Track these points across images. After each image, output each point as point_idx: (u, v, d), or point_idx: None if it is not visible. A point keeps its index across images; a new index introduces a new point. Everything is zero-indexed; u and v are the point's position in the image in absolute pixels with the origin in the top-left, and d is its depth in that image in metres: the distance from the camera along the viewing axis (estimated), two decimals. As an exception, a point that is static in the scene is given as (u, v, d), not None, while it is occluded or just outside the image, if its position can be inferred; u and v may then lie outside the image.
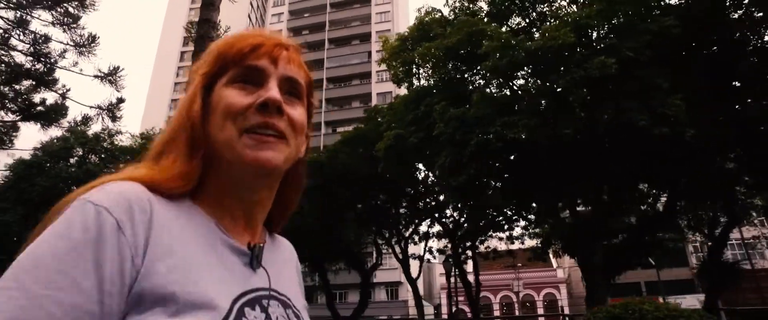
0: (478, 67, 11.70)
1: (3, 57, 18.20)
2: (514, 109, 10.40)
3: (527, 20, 12.85)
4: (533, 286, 34.13)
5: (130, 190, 0.57)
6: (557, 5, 12.40)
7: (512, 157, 11.49)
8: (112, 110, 17.51)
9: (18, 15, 17.85)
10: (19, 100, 18.62)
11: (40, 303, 0.46)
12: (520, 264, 27.62)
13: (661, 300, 28.91)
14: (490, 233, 19.50)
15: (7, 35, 18.43)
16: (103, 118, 18.75)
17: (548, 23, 11.25)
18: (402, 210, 16.82)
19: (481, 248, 20.02)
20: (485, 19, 12.25)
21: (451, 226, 17.68)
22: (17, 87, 18.64)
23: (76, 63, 21.65)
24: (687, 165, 10.61)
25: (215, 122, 0.65)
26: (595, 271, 11.75)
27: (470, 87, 12.45)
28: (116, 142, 12.12)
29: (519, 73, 11.43)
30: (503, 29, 11.95)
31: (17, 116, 18.55)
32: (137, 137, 12.90)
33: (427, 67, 12.91)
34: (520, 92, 10.44)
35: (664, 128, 8.78)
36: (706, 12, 9.27)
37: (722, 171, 12.89)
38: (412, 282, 16.84)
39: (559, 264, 34.32)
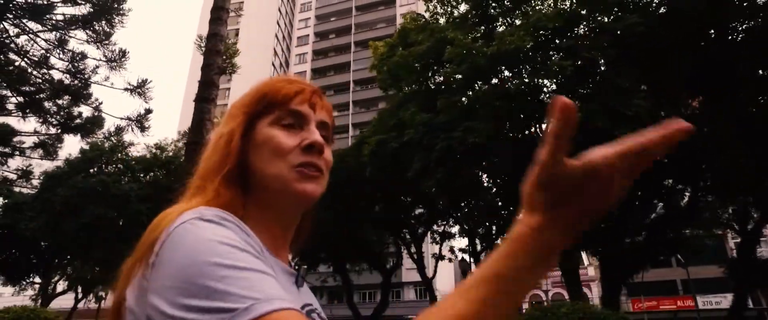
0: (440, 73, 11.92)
1: (45, 75, 19.58)
2: (477, 113, 10.46)
3: (512, 24, 12.76)
4: (563, 285, 33.38)
5: (220, 212, 0.63)
6: (546, 5, 12.23)
7: (494, 158, 11.51)
8: (140, 121, 18.54)
9: (58, 35, 19.17)
10: (61, 113, 20.01)
11: (271, 277, 0.54)
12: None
13: (698, 298, 27.70)
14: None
15: (48, 55, 19.83)
16: (132, 129, 19.85)
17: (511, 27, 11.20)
18: (419, 211, 16.96)
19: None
20: (470, 23, 12.26)
21: (470, 225, 17.68)
22: (60, 102, 20.03)
23: (108, 77, 22.82)
24: (682, 163, 10.30)
25: (263, 157, 0.73)
26: (570, 273, 11.63)
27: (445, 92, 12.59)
28: (129, 153, 12.96)
29: (495, 76, 11.44)
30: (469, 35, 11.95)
31: (58, 129, 19.90)
32: (151, 147, 13.71)
33: (405, 73, 13.12)
34: (478, 97, 10.51)
35: (625, 128, 8.61)
36: (705, 10, 8.92)
37: (750, 166, 12.38)
38: (427, 281, 16.98)
39: (591, 262, 33.46)
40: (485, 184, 13.99)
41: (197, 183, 0.74)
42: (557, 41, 9.91)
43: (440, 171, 10.50)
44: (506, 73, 10.97)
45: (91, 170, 11.60)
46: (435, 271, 18.37)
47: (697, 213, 13.90)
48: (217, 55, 11.10)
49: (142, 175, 11.30)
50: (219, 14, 11.47)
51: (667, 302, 30.06)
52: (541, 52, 9.89)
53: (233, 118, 0.77)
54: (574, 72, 8.97)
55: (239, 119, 0.76)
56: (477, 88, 11.32)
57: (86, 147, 13.27)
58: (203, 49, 12.03)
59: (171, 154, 13.00)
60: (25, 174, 13.58)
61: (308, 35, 58.11)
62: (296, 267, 0.76)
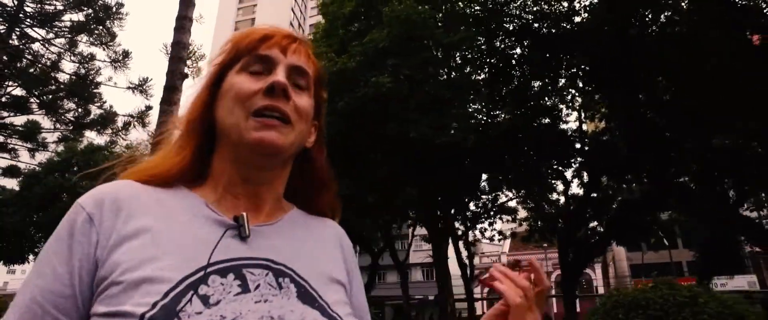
0: None
1: (57, 78, 21.20)
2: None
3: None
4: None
5: (111, 187, 0.64)
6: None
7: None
8: (142, 117, 19.87)
9: (67, 40, 20.70)
10: (79, 110, 21.63)
11: (31, 291, 0.58)
12: (545, 245, 27.38)
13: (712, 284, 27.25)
14: (499, 215, 19.92)
15: (59, 59, 21.40)
16: (134, 125, 21.26)
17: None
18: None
19: (489, 230, 20.44)
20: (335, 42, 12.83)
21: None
22: (74, 100, 21.64)
23: (111, 77, 24.24)
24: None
25: (225, 106, 0.68)
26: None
27: None
28: (104, 153, 14.17)
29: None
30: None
31: (70, 126, 21.55)
32: (122, 146, 14.82)
33: None
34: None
35: (443, 137, 9.14)
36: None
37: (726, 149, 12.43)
38: (400, 265, 17.72)
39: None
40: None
41: (168, 136, 0.75)
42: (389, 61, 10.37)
43: None
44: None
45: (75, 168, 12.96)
46: (407, 255, 19.07)
47: (665, 196, 13.98)
48: (179, 61, 12.04)
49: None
50: (182, 23, 12.36)
51: (672, 283, 29.67)
52: (368, 72, 10.34)
53: (206, 74, 0.75)
54: (393, 89, 9.54)
55: (211, 71, 0.74)
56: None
57: (60, 149, 14.67)
58: (169, 54, 13.01)
59: (138, 153, 14.14)
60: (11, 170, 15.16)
61: (321, 22, 58.64)
62: (236, 219, 0.66)
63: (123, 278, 0.56)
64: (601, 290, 31.85)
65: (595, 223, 15.35)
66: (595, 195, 14.63)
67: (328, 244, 0.77)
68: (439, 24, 10.28)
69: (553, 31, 9.85)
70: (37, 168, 13.77)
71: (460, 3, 10.87)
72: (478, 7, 10.50)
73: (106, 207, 0.61)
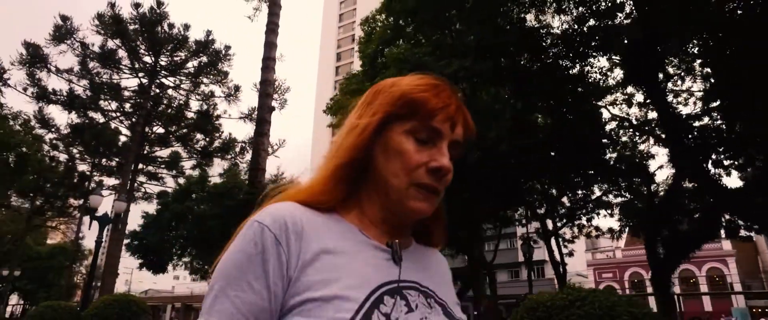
0: None
1: (186, 113, 25.28)
2: None
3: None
4: (693, 261, 29.66)
5: (285, 209, 0.70)
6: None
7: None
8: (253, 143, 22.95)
9: (192, 82, 24.70)
10: (206, 140, 25.71)
11: (233, 302, 0.63)
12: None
13: None
14: (595, 211, 19.02)
15: (187, 99, 25.46)
16: (247, 149, 24.51)
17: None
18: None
19: (586, 227, 19.50)
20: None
21: (542, 210, 17.93)
22: (204, 131, 25.65)
23: (225, 110, 28.22)
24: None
25: (389, 163, 0.74)
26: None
27: None
28: (210, 182, 16.89)
29: None
30: None
31: (198, 155, 25.51)
32: (225, 175, 17.41)
33: None
34: None
35: (477, 153, 8.91)
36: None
37: None
38: (487, 265, 17.67)
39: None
40: None
41: (320, 163, 0.80)
42: None
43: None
44: None
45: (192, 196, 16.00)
46: (494, 256, 18.89)
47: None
48: (267, 97, 14.03)
49: (220, 198, 15.04)
50: (267, 63, 14.39)
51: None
52: None
53: (371, 113, 0.78)
54: None
55: (378, 116, 0.77)
56: None
57: (182, 180, 17.83)
58: (258, 91, 15.09)
59: (237, 179, 16.59)
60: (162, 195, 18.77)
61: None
62: (389, 245, 0.76)
63: (317, 295, 0.63)
64: (737, 287, 27.83)
65: (698, 215, 14.06)
66: (692, 184, 13.48)
67: (445, 273, 0.87)
68: (437, 53, 10.62)
69: (586, 34, 9.52)
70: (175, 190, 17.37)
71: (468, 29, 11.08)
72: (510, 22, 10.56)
73: (290, 229, 0.68)
